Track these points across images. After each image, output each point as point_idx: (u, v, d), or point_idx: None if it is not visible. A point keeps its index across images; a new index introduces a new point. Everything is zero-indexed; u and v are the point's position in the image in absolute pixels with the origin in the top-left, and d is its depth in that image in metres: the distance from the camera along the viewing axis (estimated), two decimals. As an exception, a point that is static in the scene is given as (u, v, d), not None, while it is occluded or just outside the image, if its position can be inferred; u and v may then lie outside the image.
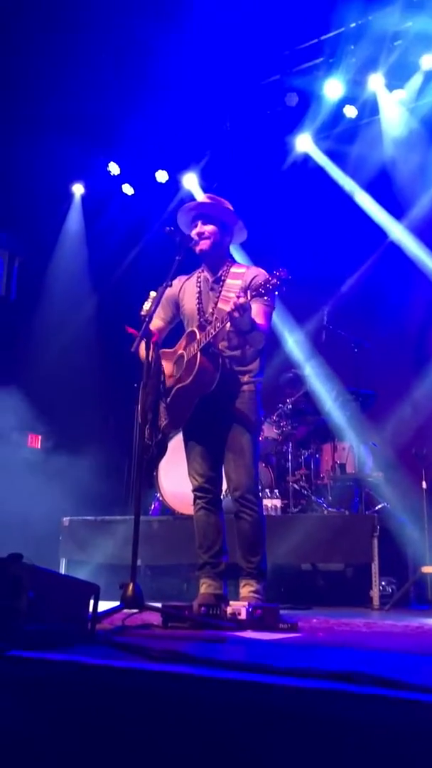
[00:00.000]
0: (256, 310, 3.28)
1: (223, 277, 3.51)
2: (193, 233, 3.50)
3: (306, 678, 1.42)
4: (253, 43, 6.37)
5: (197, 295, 3.55)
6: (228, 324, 3.22)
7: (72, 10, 5.97)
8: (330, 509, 5.65)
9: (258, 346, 3.40)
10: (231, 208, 3.60)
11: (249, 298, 3.09)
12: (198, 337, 3.35)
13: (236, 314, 3.10)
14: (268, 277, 3.14)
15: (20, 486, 5.99)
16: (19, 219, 7.24)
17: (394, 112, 6.75)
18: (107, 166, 7.73)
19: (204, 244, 3.49)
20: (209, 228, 3.51)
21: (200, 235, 3.50)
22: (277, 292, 3.16)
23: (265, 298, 3.20)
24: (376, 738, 1.16)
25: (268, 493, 5.51)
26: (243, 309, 3.09)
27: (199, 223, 3.52)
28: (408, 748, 1.14)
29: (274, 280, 3.09)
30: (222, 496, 3.63)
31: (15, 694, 1.59)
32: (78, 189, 7.99)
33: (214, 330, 3.25)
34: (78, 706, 1.49)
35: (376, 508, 5.55)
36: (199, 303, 3.53)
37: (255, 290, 3.10)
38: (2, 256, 7.55)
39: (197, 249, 3.48)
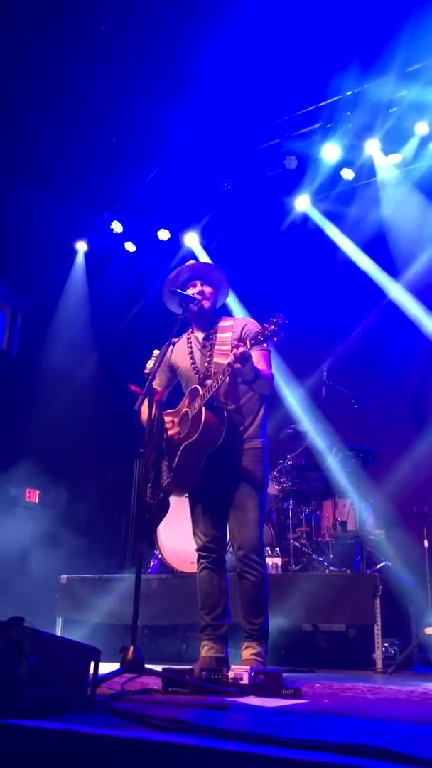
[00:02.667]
0: (257, 357, 3.31)
1: (213, 333, 3.58)
2: (194, 292, 3.58)
3: (312, 751, 1.39)
4: (254, 109, 6.63)
5: (189, 355, 3.60)
6: (228, 377, 3.23)
7: (77, 74, 6.20)
8: (331, 568, 5.58)
9: (265, 392, 3.44)
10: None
11: (249, 347, 3.11)
12: (201, 392, 3.36)
13: (237, 365, 3.10)
14: (265, 323, 3.15)
15: (17, 541, 5.92)
16: (22, 274, 7.36)
17: (390, 175, 6.95)
18: (110, 224, 7.90)
19: (206, 303, 3.59)
20: (209, 289, 3.62)
21: (201, 294, 3.59)
22: (276, 338, 3.16)
23: (264, 344, 3.23)
24: None
25: (269, 551, 5.44)
26: (245, 358, 3.11)
27: (199, 283, 3.62)
28: None
29: (273, 327, 3.10)
30: (226, 553, 3.57)
31: (13, 766, 1.55)
32: (81, 246, 8.14)
33: (216, 383, 3.26)
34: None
35: (378, 566, 5.48)
36: (192, 362, 3.57)
37: (254, 338, 3.12)
38: (5, 311, 7.64)
39: (200, 306, 3.55)
